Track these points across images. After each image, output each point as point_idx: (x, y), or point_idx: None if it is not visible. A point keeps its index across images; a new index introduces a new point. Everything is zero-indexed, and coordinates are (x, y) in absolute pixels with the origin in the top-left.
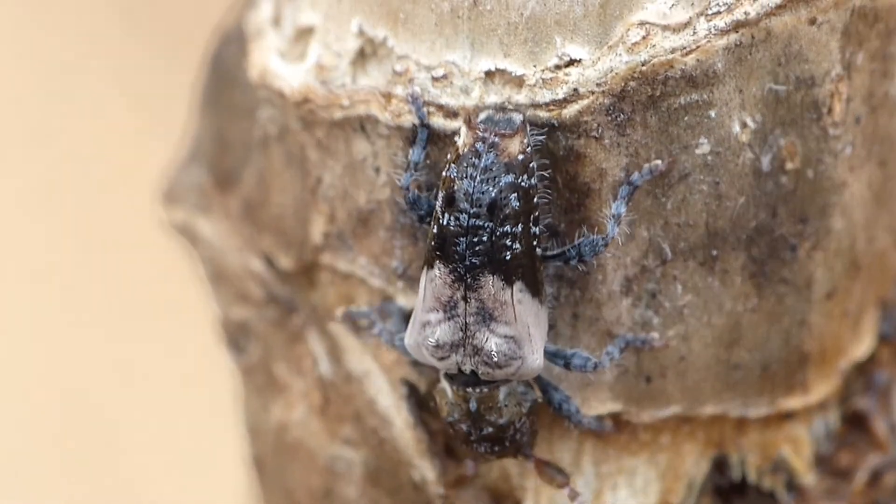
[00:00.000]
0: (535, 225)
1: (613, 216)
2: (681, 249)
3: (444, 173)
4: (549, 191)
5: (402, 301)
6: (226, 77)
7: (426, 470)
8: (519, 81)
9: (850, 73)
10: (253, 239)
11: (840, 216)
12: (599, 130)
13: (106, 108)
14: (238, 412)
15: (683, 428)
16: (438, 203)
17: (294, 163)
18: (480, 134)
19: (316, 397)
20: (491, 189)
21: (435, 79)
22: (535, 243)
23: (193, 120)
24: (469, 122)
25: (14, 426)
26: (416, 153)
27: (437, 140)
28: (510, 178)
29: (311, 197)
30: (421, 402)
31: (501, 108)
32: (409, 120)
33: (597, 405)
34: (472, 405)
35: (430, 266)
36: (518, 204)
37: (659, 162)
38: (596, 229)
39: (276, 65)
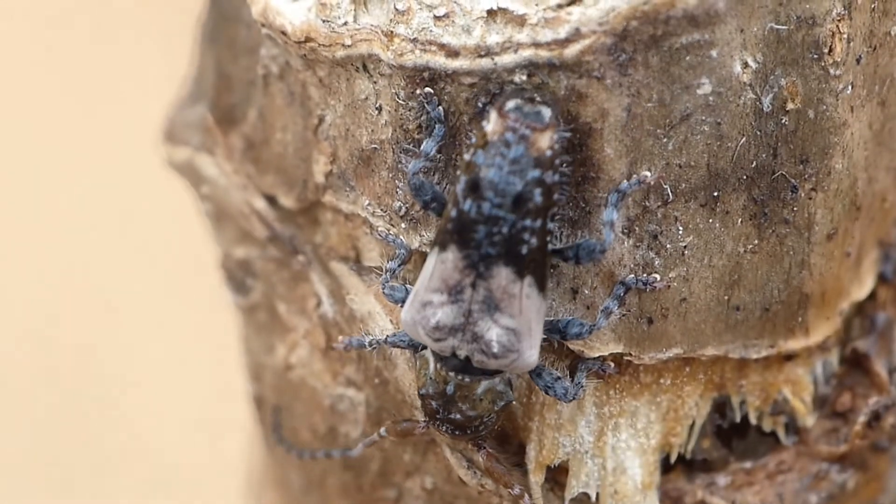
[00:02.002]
0: (552, 221)
1: (607, 223)
2: (682, 190)
3: (467, 157)
4: (568, 188)
5: (404, 241)
6: (227, 14)
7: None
8: (521, 20)
9: (851, 13)
10: (255, 178)
11: (841, 156)
12: (601, 70)
13: (113, 42)
14: (240, 352)
15: (684, 369)
16: (459, 187)
17: (296, 102)
18: (511, 124)
19: (319, 337)
20: (518, 182)
21: (437, 17)
22: (548, 239)
23: (195, 58)
24: (500, 110)
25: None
26: (429, 145)
27: (437, 80)
28: (537, 172)
29: (313, 136)
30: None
31: (531, 98)
32: (411, 59)
33: (599, 347)
34: (450, 388)
35: (443, 248)
36: (541, 199)
37: (648, 174)
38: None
39: (278, 2)
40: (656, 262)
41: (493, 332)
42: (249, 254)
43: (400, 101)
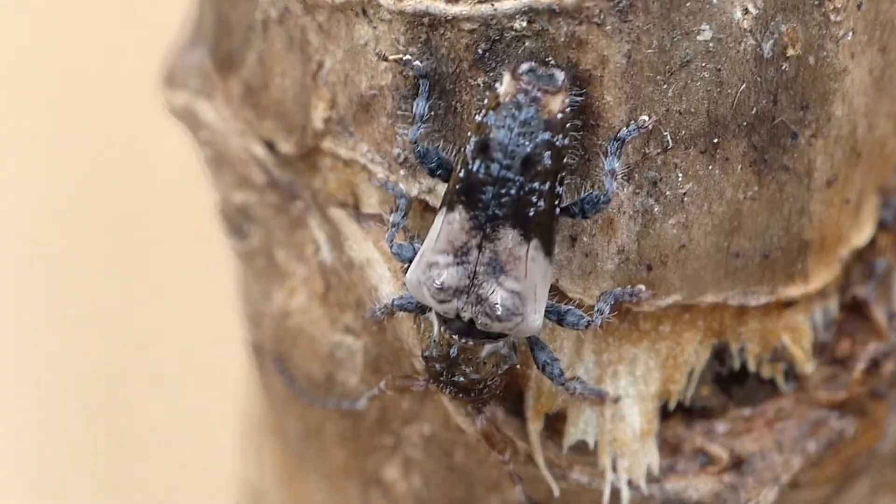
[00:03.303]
0: (560, 185)
1: (608, 172)
2: (682, 137)
3: (478, 118)
4: (577, 152)
5: (404, 188)
6: None
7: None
8: None
9: None
10: (254, 123)
11: (841, 103)
12: (601, 16)
13: None
14: (238, 299)
15: (684, 317)
16: (469, 148)
17: (295, 47)
18: (523, 86)
19: (317, 284)
20: (527, 144)
21: None
22: (556, 203)
23: (195, 2)
24: (513, 72)
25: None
26: (420, 105)
27: (437, 26)
28: (547, 135)
29: (312, 82)
30: None
31: (544, 62)
32: (411, 5)
33: (598, 293)
34: (454, 352)
35: (451, 208)
36: (550, 162)
37: (646, 118)
38: (596, 186)
39: None
40: (656, 209)
41: (498, 295)
42: (248, 199)
43: (400, 47)
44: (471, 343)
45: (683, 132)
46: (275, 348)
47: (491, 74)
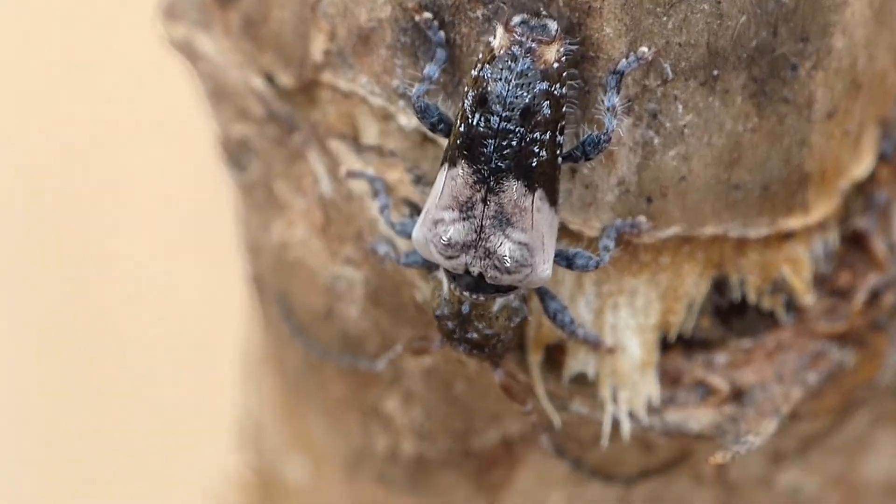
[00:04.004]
0: (561, 134)
1: (608, 109)
2: (682, 69)
3: (474, 72)
4: (576, 101)
5: (403, 120)
6: None
7: (427, 290)
8: None
9: None
10: (253, 56)
11: (841, 35)
12: None
13: None
14: (238, 231)
15: (684, 248)
16: (467, 102)
17: None
18: (517, 37)
19: (317, 216)
20: (525, 94)
21: None
22: (558, 152)
23: None
24: (506, 24)
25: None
26: (431, 69)
27: None
28: (545, 85)
29: (312, 14)
30: None
31: (536, 12)
32: None
33: (598, 225)
34: (465, 308)
35: (453, 164)
36: (549, 112)
37: (645, 49)
38: (595, 126)
39: None
40: (655, 141)
41: (506, 247)
42: (247, 132)
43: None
44: (481, 298)
45: (683, 64)
46: (275, 284)
47: (490, 7)
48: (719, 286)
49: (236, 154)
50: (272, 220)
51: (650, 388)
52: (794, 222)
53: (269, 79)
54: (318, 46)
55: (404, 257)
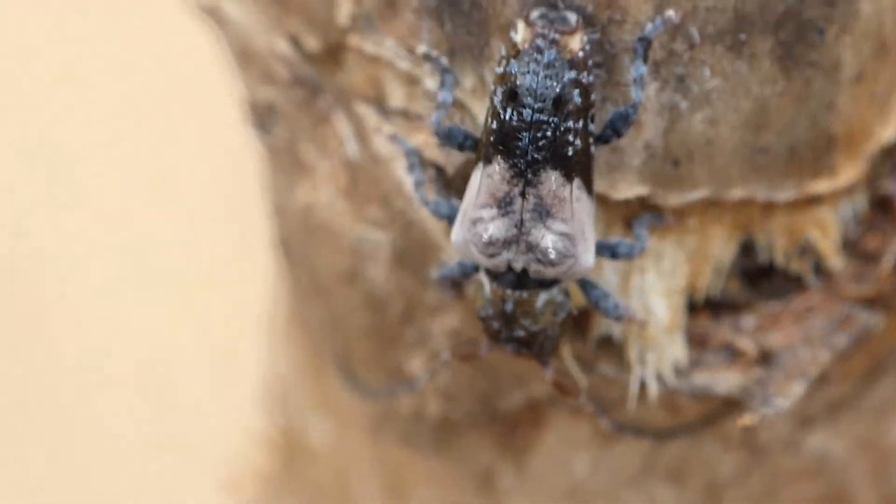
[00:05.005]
0: (592, 122)
1: (635, 80)
2: (709, 33)
3: (499, 69)
4: (603, 88)
5: (430, 83)
6: None
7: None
8: None
9: None
10: (279, 19)
11: None
12: None
13: None
14: (264, 193)
15: (711, 211)
16: (497, 99)
17: None
18: (539, 31)
19: (342, 178)
20: (555, 84)
21: None
22: (590, 140)
23: None
24: (527, 19)
25: None
26: (444, 95)
27: None
28: (573, 74)
29: None
30: (448, 184)
31: (553, 5)
32: None
33: (624, 188)
34: (509, 307)
35: (488, 161)
36: (580, 100)
37: (672, 13)
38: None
39: None
40: (682, 105)
41: (548, 239)
42: (273, 95)
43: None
44: (525, 294)
45: (710, 28)
46: (302, 247)
47: None
48: (747, 249)
49: (262, 117)
50: (297, 182)
51: (677, 350)
52: (821, 186)
53: (296, 42)
54: (344, 10)
55: (447, 270)
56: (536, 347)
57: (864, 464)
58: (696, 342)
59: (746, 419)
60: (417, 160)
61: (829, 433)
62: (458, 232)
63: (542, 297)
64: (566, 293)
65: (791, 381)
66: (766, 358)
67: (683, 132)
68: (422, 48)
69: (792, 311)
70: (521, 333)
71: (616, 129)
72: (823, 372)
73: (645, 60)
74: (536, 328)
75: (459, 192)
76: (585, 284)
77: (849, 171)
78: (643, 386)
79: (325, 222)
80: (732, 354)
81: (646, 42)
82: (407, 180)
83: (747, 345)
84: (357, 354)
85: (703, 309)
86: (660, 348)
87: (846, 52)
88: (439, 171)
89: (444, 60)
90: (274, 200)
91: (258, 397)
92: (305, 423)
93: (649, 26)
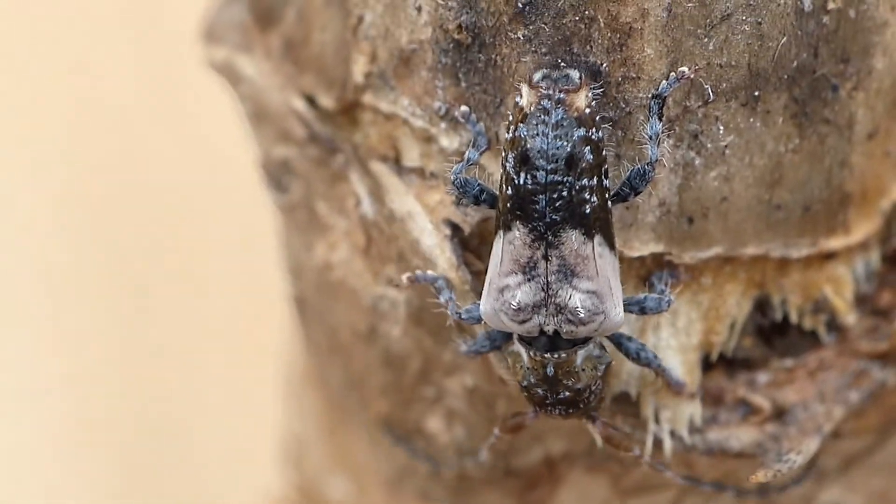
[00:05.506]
0: (606, 177)
1: (650, 137)
2: (723, 90)
3: (508, 135)
4: (612, 143)
5: (445, 142)
6: None
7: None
8: None
9: None
10: (294, 78)
11: (882, 56)
12: None
13: None
14: (279, 252)
15: (725, 269)
16: (509, 165)
17: (334, 1)
18: (544, 92)
19: (359, 237)
20: (566, 144)
21: None
22: (606, 196)
23: None
24: (530, 83)
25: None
26: (473, 154)
27: None
28: (582, 131)
29: (352, 36)
30: (464, 243)
31: (555, 65)
32: None
33: (639, 246)
34: (550, 370)
35: (508, 229)
36: (592, 157)
37: (685, 69)
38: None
39: None
40: (697, 162)
41: (577, 299)
42: (288, 153)
43: (439, 1)
44: (563, 355)
45: (724, 85)
46: (319, 305)
47: (531, 28)
48: (761, 306)
49: (277, 176)
50: (314, 241)
51: (692, 407)
52: (835, 242)
53: (311, 100)
54: (359, 68)
55: (465, 313)
56: (583, 405)
57: None
58: (712, 399)
59: (761, 475)
60: (443, 283)
61: (843, 488)
62: (486, 303)
63: (580, 355)
64: (602, 346)
65: (805, 436)
66: (780, 414)
67: (698, 189)
68: (463, 108)
69: (806, 366)
70: (566, 394)
71: (633, 186)
72: (837, 427)
73: (660, 118)
74: (580, 385)
75: (475, 252)
76: (619, 338)
77: (863, 228)
78: (658, 443)
79: (342, 281)
80: (747, 411)
81: (660, 99)
82: (440, 298)
83: (762, 401)
84: (375, 412)
85: (717, 365)
86: (675, 405)
87: (860, 109)
88: (455, 229)
89: (481, 125)
90: (289, 259)
91: (275, 456)
92: (324, 481)
93: (663, 83)
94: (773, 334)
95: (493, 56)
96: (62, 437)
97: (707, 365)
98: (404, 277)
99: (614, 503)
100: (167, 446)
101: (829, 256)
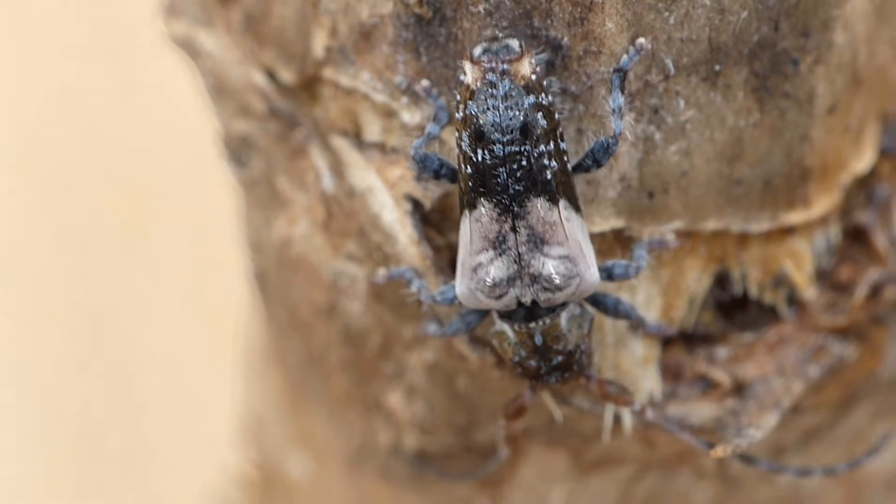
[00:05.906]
0: (562, 140)
1: (613, 111)
2: (684, 65)
3: (459, 114)
4: (563, 105)
5: (406, 117)
6: None
7: (431, 286)
8: None
9: None
10: (254, 52)
11: (842, 30)
12: None
13: None
14: (239, 227)
15: (685, 243)
16: (465, 144)
17: None
18: (487, 65)
19: (319, 212)
20: (518, 113)
21: None
22: (565, 159)
23: None
24: (471, 59)
25: None
26: (434, 128)
27: None
28: (532, 98)
29: (313, 10)
30: (425, 218)
31: (493, 37)
32: None
33: (600, 221)
34: (538, 339)
35: (473, 207)
36: (546, 122)
37: (643, 40)
38: (602, 132)
39: None
40: (657, 137)
41: (550, 266)
42: (248, 128)
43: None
44: (548, 321)
45: (685, 60)
46: (279, 281)
47: (492, 2)
48: (721, 280)
49: (237, 150)
50: (274, 216)
51: (652, 382)
52: (795, 217)
53: (271, 75)
54: (319, 43)
55: (449, 328)
56: (577, 367)
57: (838, 493)
58: (671, 374)
59: (720, 450)
60: (412, 273)
61: (802, 463)
62: (461, 285)
63: (563, 317)
64: (581, 305)
65: (764, 410)
66: (739, 388)
67: (658, 164)
68: (424, 83)
69: (765, 341)
70: (559, 359)
71: (596, 159)
72: (797, 402)
73: (622, 91)
74: (571, 347)
75: (436, 227)
76: (596, 298)
77: (823, 202)
78: (618, 418)
79: (302, 256)
80: (706, 386)
81: (622, 73)
82: (411, 288)
83: (721, 376)
84: (335, 388)
85: (677, 341)
86: (634, 380)
87: (820, 84)
88: (416, 204)
89: (442, 100)
90: (249, 234)
91: (234, 434)
92: (283, 459)
93: (624, 57)
94: (733, 309)
95: (454, 30)
96: (20, 417)
97: (666, 340)
98: (379, 275)
99: (575, 477)
100: (125, 425)
101: (789, 231)
